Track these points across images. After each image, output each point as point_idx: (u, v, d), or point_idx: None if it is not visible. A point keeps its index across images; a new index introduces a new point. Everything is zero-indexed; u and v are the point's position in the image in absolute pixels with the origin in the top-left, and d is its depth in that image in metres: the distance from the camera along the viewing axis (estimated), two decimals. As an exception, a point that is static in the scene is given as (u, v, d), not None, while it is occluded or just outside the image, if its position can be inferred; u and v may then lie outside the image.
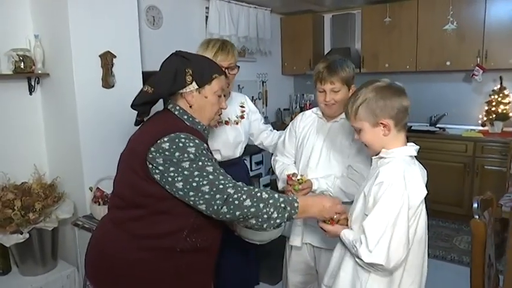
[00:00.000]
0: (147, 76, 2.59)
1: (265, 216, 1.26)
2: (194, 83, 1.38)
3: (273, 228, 1.33)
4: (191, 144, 1.28)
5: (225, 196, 1.24)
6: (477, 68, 4.00)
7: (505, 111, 4.00)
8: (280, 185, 2.04)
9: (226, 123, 2.12)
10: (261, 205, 1.26)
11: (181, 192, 1.26)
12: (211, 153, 1.39)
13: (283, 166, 2.03)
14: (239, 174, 2.11)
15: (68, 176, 2.67)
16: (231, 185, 1.27)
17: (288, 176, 1.86)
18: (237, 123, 2.16)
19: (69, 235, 2.73)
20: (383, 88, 1.37)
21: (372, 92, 1.36)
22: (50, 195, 2.46)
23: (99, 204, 2.46)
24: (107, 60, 2.62)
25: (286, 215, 1.30)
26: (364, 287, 1.34)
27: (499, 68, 3.96)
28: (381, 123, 1.36)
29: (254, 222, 1.27)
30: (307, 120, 1.99)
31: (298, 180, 1.82)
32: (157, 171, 1.27)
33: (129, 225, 1.34)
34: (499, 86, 4.07)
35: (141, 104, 1.40)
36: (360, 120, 1.39)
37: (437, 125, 4.40)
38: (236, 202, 1.25)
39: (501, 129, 4.02)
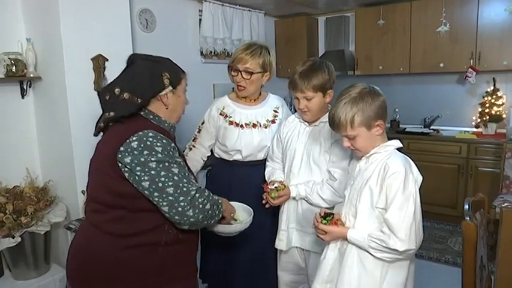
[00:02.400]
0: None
1: (214, 215, 1.41)
2: (170, 85, 1.44)
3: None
4: (158, 144, 1.31)
5: (189, 198, 1.30)
6: (470, 69, 4.01)
7: (498, 113, 4.02)
8: None
9: (254, 126, 2.11)
10: (214, 206, 1.40)
11: (146, 192, 1.29)
12: (178, 151, 1.43)
13: (271, 171, 2.05)
14: (258, 176, 2.13)
15: (61, 180, 2.66)
16: (194, 188, 1.34)
17: (264, 184, 1.94)
18: (265, 127, 2.13)
19: (61, 239, 2.72)
20: (369, 92, 1.45)
21: (361, 98, 1.43)
22: (42, 199, 2.46)
23: (91, 208, 2.45)
24: (99, 63, 2.61)
25: (220, 212, 1.46)
26: (384, 280, 1.43)
27: (492, 69, 3.98)
28: (377, 125, 1.44)
29: (206, 223, 1.40)
30: (291, 125, 2.00)
31: (276, 187, 1.89)
32: (125, 169, 1.30)
33: (111, 226, 1.35)
34: (492, 88, 4.09)
35: (127, 114, 1.40)
36: (356, 128, 1.43)
37: (431, 127, 4.42)
38: (200, 206, 1.33)
39: (495, 131, 4.04)
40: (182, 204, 1.28)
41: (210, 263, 2.23)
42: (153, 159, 1.28)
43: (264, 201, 1.92)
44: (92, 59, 2.59)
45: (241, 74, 2.04)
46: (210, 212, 1.37)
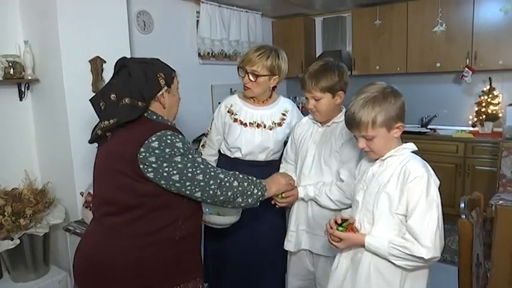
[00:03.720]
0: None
1: (249, 192, 1.53)
2: (166, 85, 1.48)
3: (257, 202, 1.58)
4: (177, 140, 1.38)
5: (218, 181, 1.43)
6: (466, 69, 4.04)
7: (494, 112, 4.05)
8: None
9: (258, 126, 2.12)
10: (245, 184, 1.52)
11: (178, 184, 1.37)
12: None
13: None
14: (258, 175, 2.10)
15: (59, 181, 2.67)
16: (219, 171, 1.47)
17: None
18: (270, 129, 2.12)
19: (60, 240, 2.72)
20: (391, 92, 1.40)
21: (386, 98, 1.38)
22: (41, 201, 2.46)
23: (90, 209, 2.46)
24: (97, 65, 2.62)
25: (262, 190, 1.59)
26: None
27: (488, 69, 4.00)
28: (396, 127, 1.39)
29: (240, 200, 1.50)
30: (304, 127, 2.00)
31: None
32: (150, 169, 1.34)
33: (128, 228, 1.38)
34: (488, 87, 4.12)
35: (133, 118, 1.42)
36: (377, 128, 1.38)
37: (429, 126, 4.44)
38: (227, 185, 1.45)
39: (491, 130, 4.07)
40: (212, 187, 1.41)
41: (211, 262, 2.24)
42: (177, 154, 1.36)
43: (272, 202, 1.90)
44: (90, 61, 2.60)
45: (248, 76, 2.05)
46: (240, 188, 1.48)
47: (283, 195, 1.84)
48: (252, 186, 1.54)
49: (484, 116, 4.08)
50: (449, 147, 4.03)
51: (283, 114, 2.17)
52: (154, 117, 1.48)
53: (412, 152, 1.44)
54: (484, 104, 4.10)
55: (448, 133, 4.20)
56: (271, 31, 5.31)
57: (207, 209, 1.80)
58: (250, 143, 2.10)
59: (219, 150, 2.26)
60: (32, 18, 2.62)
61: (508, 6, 3.77)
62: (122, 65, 1.48)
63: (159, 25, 3.75)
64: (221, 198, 1.44)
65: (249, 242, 2.15)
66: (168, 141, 1.35)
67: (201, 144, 2.31)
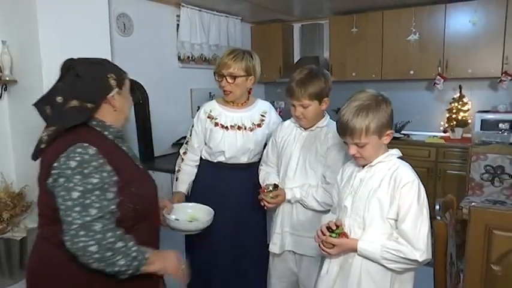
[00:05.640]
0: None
1: (110, 261, 1.21)
2: (116, 86, 1.39)
3: (120, 274, 1.25)
4: (78, 159, 1.23)
5: (65, 226, 1.19)
6: (438, 77, 4.21)
7: (464, 118, 4.22)
8: None
9: (239, 128, 2.15)
10: (108, 253, 1.20)
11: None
12: (126, 156, 1.39)
13: (265, 175, 2.08)
14: (242, 180, 2.18)
15: (37, 185, 2.61)
16: (79, 222, 1.18)
17: (261, 189, 1.95)
18: (250, 130, 2.17)
19: (37, 245, 2.66)
20: (383, 100, 1.43)
21: (378, 106, 1.40)
22: (18, 204, 2.42)
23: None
24: (78, 67, 2.59)
25: (134, 264, 1.25)
26: None
27: (458, 77, 4.18)
28: (387, 134, 1.43)
29: (96, 265, 1.20)
30: (286, 130, 2.03)
31: (271, 190, 1.91)
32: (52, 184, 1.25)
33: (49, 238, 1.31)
34: (458, 94, 4.29)
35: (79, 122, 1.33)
36: (370, 136, 1.40)
37: (402, 132, 4.57)
38: (81, 245, 1.18)
39: (461, 136, 4.24)
40: (65, 230, 1.20)
41: (194, 262, 2.26)
42: (60, 175, 1.22)
43: (262, 204, 1.95)
44: (70, 63, 2.57)
45: (226, 79, 2.09)
46: (95, 256, 1.18)
47: (271, 195, 1.89)
48: (118, 257, 1.21)
49: (454, 122, 4.25)
50: (421, 152, 4.17)
51: (262, 116, 2.22)
52: (94, 123, 1.37)
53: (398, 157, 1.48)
54: (454, 111, 4.27)
55: (420, 138, 4.35)
56: (250, 36, 5.36)
57: (173, 216, 1.75)
58: (233, 145, 2.14)
59: (201, 157, 2.27)
60: (10, 19, 2.58)
61: (476, 18, 3.97)
62: (69, 66, 1.36)
63: (139, 28, 3.73)
64: (78, 253, 1.18)
65: (233, 243, 2.18)
66: (72, 160, 1.22)
67: (182, 151, 2.30)
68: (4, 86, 2.65)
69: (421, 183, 1.39)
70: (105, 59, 1.49)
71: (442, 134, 4.42)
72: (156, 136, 3.83)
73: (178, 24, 4.14)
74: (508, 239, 1.38)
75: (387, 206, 1.38)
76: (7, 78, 2.57)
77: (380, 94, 1.46)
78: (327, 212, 1.78)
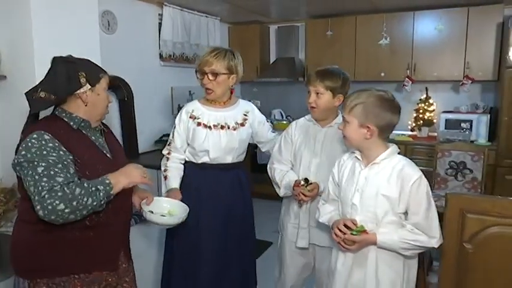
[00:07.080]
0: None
1: (81, 207, 1.38)
2: (87, 83, 1.55)
3: (98, 208, 1.43)
4: (36, 144, 1.42)
5: (37, 198, 1.36)
6: (407, 79, 4.50)
7: (430, 118, 4.54)
8: (282, 192, 2.09)
9: (222, 127, 2.16)
10: (74, 203, 1.36)
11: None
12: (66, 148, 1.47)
13: (282, 173, 2.09)
14: (227, 181, 2.20)
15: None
16: (46, 189, 1.35)
17: (296, 183, 1.97)
18: (234, 129, 2.18)
19: (27, 240, 2.67)
20: (385, 100, 1.53)
21: (374, 98, 1.52)
22: (11, 200, 2.42)
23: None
24: (70, 64, 2.62)
25: (101, 194, 1.43)
26: (407, 275, 1.60)
27: (425, 79, 4.49)
28: (367, 127, 1.51)
29: (73, 217, 1.38)
30: (302, 128, 2.08)
31: (304, 183, 1.95)
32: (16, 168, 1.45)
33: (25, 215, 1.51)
34: (425, 96, 4.61)
35: (43, 110, 1.55)
36: (352, 116, 1.53)
37: (373, 130, 4.83)
38: (50, 207, 1.34)
39: (427, 134, 4.54)
40: (36, 203, 1.36)
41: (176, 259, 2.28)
42: (23, 159, 1.41)
43: (297, 198, 1.97)
44: (62, 60, 2.60)
45: (208, 76, 2.11)
46: (67, 210, 1.35)
47: (308, 188, 1.92)
48: (84, 199, 1.39)
49: (421, 122, 4.55)
50: (391, 149, 4.42)
51: (245, 115, 2.25)
52: (64, 114, 1.56)
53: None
54: (421, 111, 4.58)
55: (390, 136, 4.57)
56: (228, 36, 5.46)
57: (148, 208, 1.80)
58: (217, 145, 2.15)
59: (185, 159, 2.27)
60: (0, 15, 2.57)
61: (441, 25, 4.28)
62: (52, 62, 1.57)
63: (123, 26, 3.77)
64: (46, 218, 1.36)
65: (221, 233, 2.21)
66: (29, 144, 1.42)
67: (166, 152, 2.28)
68: (-8, 81, 2.64)
69: (424, 177, 1.52)
70: (86, 59, 1.63)
71: (410, 133, 4.69)
72: (139, 133, 3.87)
73: (160, 23, 4.20)
74: (479, 220, 1.57)
75: (397, 202, 1.51)
76: (-4, 74, 2.56)
77: (397, 102, 1.60)
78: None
